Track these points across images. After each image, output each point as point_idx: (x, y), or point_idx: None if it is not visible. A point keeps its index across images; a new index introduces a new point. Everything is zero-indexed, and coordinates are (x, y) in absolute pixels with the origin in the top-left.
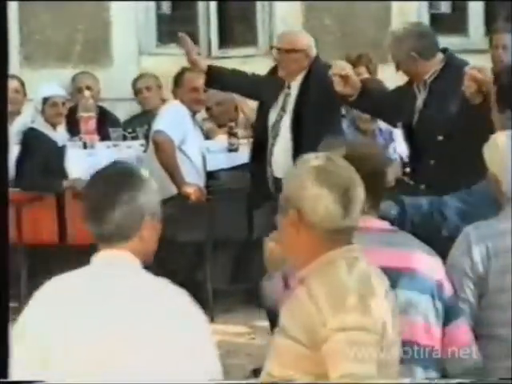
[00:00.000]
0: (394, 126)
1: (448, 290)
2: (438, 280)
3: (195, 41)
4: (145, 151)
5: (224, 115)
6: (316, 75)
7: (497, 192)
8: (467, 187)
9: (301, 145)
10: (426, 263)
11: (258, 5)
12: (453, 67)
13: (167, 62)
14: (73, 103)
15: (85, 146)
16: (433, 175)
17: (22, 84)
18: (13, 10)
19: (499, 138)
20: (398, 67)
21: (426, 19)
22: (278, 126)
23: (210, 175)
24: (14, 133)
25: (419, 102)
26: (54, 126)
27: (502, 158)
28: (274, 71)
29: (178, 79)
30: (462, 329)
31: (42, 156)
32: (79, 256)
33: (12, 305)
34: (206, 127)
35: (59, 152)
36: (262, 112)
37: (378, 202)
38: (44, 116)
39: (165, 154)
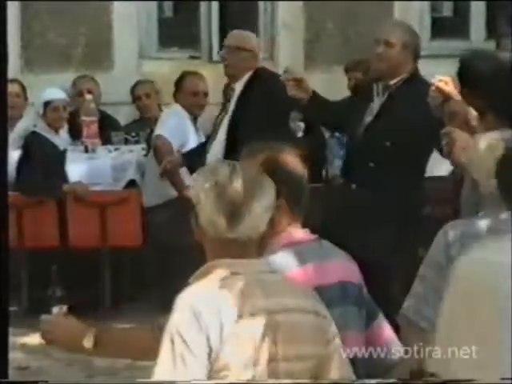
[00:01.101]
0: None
1: (365, 291)
2: (359, 284)
3: (196, 45)
4: (146, 155)
5: None
6: (262, 79)
7: (478, 192)
8: (403, 188)
9: (235, 148)
10: (349, 271)
11: (260, 9)
12: (418, 79)
13: (168, 66)
14: (74, 107)
15: (86, 150)
16: (369, 177)
17: (23, 88)
18: (14, 13)
19: (479, 141)
20: (375, 47)
21: (427, 22)
22: (217, 126)
23: None
24: (15, 137)
25: (376, 105)
26: (55, 129)
27: (479, 159)
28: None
29: (179, 83)
30: (385, 327)
31: (44, 160)
32: (80, 260)
33: (12, 308)
34: None
35: (60, 156)
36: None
37: (301, 210)
38: (45, 120)
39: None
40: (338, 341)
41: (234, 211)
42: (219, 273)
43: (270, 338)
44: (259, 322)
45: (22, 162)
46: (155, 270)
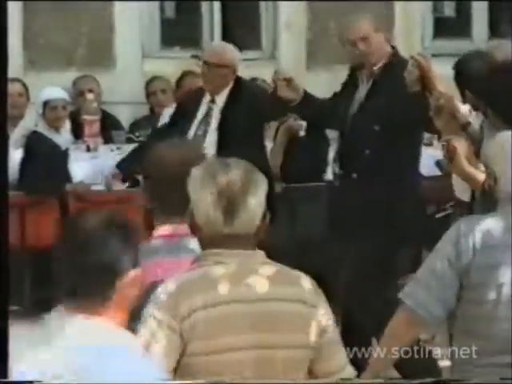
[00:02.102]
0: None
1: None
2: None
3: (198, 45)
4: None
5: None
6: (245, 91)
7: (494, 189)
8: (399, 178)
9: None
10: None
11: (262, 8)
12: (398, 61)
13: (170, 66)
14: (75, 107)
15: (88, 149)
16: (366, 165)
17: (26, 88)
18: (16, 13)
19: (502, 137)
20: (352, 44)
21: (430, 22)
22: (200, 140)
23: None
24: (17, 136)
25: (361, 93)
26: (56, 129)
27: (502, 156)
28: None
29: (180, 83)
30: None
31: (45, 159)
32: None
33: (14, 308)
34: None
35: (62, 155)
36: (182, 122)
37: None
38: (45, 119)
39: None
40: (332, 334)
41: (230, 207)
42: (204, 262)
43: (246, 325)
44: (232, 310)
45: (23, 161)
46: None
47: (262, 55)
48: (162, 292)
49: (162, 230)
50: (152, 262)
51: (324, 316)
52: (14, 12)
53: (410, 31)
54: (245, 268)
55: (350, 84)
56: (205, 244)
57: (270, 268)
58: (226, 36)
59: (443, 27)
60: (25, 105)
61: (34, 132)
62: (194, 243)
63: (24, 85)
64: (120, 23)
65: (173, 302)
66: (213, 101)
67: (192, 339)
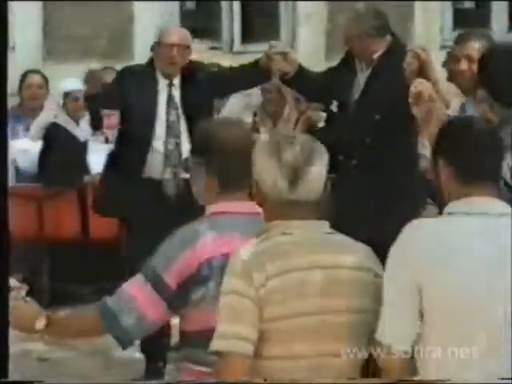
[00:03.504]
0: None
1: None
2: None
3: (218, 35)
4: None
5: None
6: (195, 69)
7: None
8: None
9: None
10: None
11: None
12: (398, 49)
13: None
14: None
15: (107, 141)
16: (367, 153)
17: (46, 79)
18: (36, 4)
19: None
20: (348, 43)
21: (449, 14)
22: (177, 126)
23: None
24: (37, 128)
25: (361, 80)
26: (76, 120)
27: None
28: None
29: None
30: None
31: (64, 151)
32: (101, 251)
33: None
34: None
35: (81, 147)
36: (141, 106)
37: (234, 182)
38: (65, 110)
39: None
40: None
41: (293, 175)
42: (273, 232)
43: (315, 291)
44: (303, 276)
45: (42, 153)
46: None
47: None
48: (236, 262)
49: (225, 205)
50: (219, 236)
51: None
52: (34, 4)
53: (430, 22)
54: (311, 237)
55: (347, 69)
56: (271, 214)
57: (334, 237)
58: (246, 27)
59: (463, 18)
60: (44, 96)
61: (53, 124)
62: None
63: (44, 76)
64: (140, 14)
65: (248, 273)
66: (171, 84)
67: (266, 306)
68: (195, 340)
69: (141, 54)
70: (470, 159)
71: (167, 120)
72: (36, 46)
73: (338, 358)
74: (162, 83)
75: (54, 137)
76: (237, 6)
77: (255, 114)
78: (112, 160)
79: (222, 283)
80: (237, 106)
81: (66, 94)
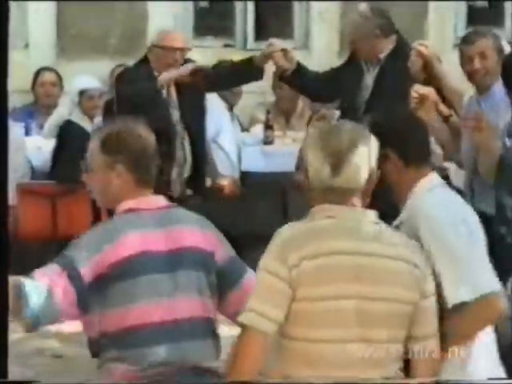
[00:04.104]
0: (326, 103)
1: (221, 256)
2: (210, 251)
3: (231, 33)
4: None
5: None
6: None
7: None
8: None
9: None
10: (193, 238)
11: None
12: (403, 47)
13: (204, 55)
14: (110, 96)
15: None
16: None
17: (59, 77)
18: (50, 2)
19: None
20: (354, 44)
21: (463, 12)
22: (179, 126)
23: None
24: (51, 126)
25: (368, 80)
26: (91, 118)
27: None
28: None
29: None
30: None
31: (78, 148)
32: None
33: None
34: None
35: None
36: (158, 106)
37: (146, 178)
38: (81, 108)
39: None
40: (431, 301)
41: (336, 162)
42: (315, 215)
43: (350, 276)
44: (338, 260)
45: (56, 150)
46: None
47: (295, 45)
48: (275, 242)
49: (136, 202)
50: (139, 233)
51: (426, 280)
52: (48, 2)
53: (443, 21)
54: (352, 223)
55: (352, 69)
56: (315, 200)
57: (377, 227)
58: (259, 25)
59: (476, 17)
60: (58, 94)
61: (68, 121)
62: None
63: (57, 74)
64: (153, 12)
65: (284, 252)
66: (168, 86)
67: (299, 286)
68: (119, 339)
69: None
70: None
71: (170, 121)
72: (50, 43)
73: (369, 345)
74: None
75: (68, 134)
76: (250, 4)
77: (268, 112)
78: None
79: (261, 259)
80: (250, 104)
81: (81, 92)
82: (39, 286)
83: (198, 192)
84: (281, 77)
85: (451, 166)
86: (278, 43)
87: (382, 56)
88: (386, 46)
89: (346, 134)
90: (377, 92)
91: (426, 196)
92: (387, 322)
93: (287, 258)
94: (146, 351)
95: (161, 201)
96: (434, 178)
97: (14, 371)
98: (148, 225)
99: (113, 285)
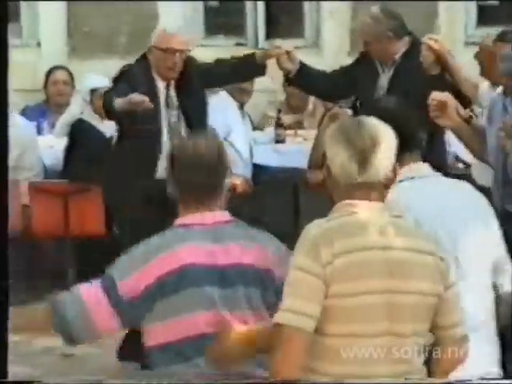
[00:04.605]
0: (334, 102)
1: (279, 276)
2: (265, 269)
3: (242, 32)
4: None
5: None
6: (192, 72)
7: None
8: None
9: None
10: (247, 255)
11: None
12: (418, 48)
13: (214, 54)
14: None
15: None
16: None
17: (71, 75)
18: (61, 2)
19: None
20: (367, 46)
21: (473, 11)
22: (178, 127)
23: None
24: (62, 124)
25: (383, 81)
26: (102, 117)
27: None
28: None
29: None
30: None
31: (90, 147)
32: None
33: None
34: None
35: (106, 143)
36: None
37: (215, 196)
38: (92, 107)
39: None
40: (455, 292)
41: (362, 158)
42: (342, 212)
43: (381, 271)
44: (369, 256)
45: (68, 149)
46: None
47: (306, 43)
48: (305, 239)
49: (190, 218)
50: (186, 247)
51: (449, 272)
52: (59, 1)
53: (453, 19)
54: (379, 218)
55: (364, 70)
56: (341, 196)
57: (401, 221)
58: (270, 24)
59: (486, 15)
60: (70, 92)
61: (80, 120)
62: (229, 232)
63: (69, 72)
64: (163, 11)
65: (316, 249)
66: (168, 85)
67: (332, 283)
68: (156, 356)
69: None
70: None
71: (169, 122)
72: (61, 42)
73: (401, 339)
74: (160, 85)
75: (80, 133)
76: (261, 2)
77: (279, 111)
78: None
79: (292, 258)
80: (261, 103)
81: (93, 91)
82: (77, 301)
83: None
84: (287, 79)
85: (474, 163)
86: (281, 46)
87: (397, 57)
88: (400, 48)
89: (369, 130)
90: (392, 93)
91: (394, 189)
92: (413, 316)
93: (320, 255)
94: (191, 363)
95: (218, 216)
96: (406, 170)
97: (21, 371)
98: (198, 239)
99: (161, 297)
